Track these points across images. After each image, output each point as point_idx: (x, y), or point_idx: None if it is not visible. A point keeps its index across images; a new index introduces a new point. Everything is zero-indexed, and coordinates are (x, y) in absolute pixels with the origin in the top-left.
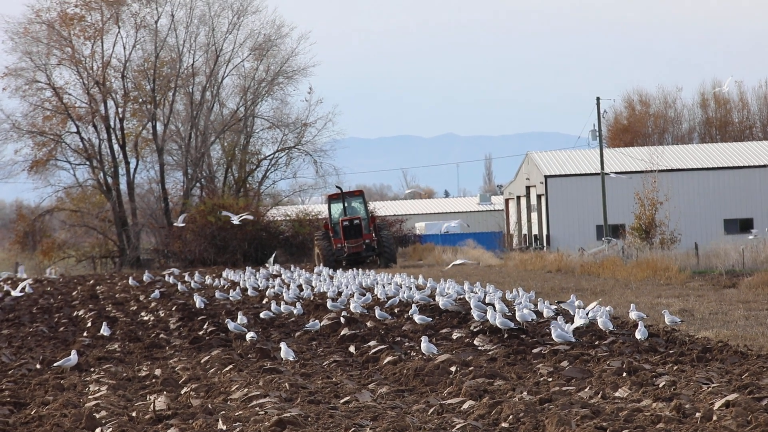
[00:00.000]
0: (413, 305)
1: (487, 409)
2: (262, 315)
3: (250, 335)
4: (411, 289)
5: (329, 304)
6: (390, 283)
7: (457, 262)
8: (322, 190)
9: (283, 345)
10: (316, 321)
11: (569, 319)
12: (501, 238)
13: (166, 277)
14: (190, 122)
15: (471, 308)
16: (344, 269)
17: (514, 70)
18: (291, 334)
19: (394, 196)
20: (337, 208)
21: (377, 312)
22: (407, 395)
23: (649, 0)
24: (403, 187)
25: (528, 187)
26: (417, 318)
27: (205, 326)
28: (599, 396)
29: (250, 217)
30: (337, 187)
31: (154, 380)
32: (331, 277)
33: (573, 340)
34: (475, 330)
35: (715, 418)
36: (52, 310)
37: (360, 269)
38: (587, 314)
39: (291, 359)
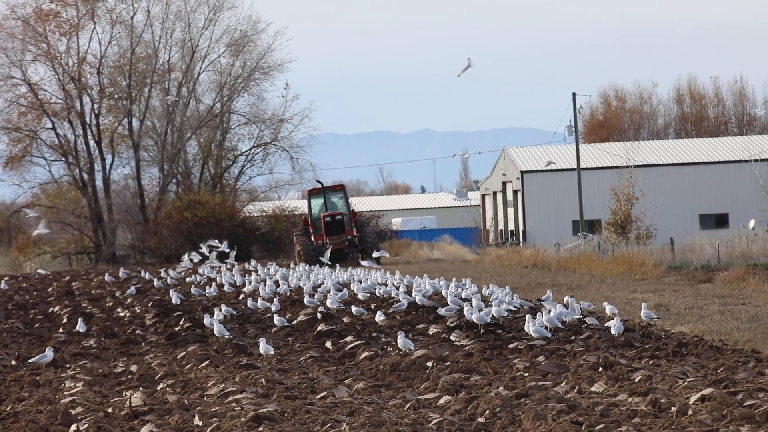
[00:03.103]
0: (402, 300)
1: (463, 404)
2: (223, 311)
3: (218, 330)
4: (387, 285)
5: (306, 299)
6: (367, 279)
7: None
8: (298, 186)
9: (261, 341)
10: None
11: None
12: (477, 233)
13: (139, 273)
14: (166, 118)
15: (448, 304)
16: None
17: (491, 65)
18: (267, 330)
19: (370, 192)
20: (317, 203)
21: (354, 308)
22: (384, 390)
23: None
24: (379, 183)
25: (504, 183)
26: (378, 317)
27: (181, 322)
28: (575, 391)
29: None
30: (317, 181)
31: (130, 376)
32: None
33: (549, 335)
34: (451, 325)
35: (690, 412)
36: (27, 307)
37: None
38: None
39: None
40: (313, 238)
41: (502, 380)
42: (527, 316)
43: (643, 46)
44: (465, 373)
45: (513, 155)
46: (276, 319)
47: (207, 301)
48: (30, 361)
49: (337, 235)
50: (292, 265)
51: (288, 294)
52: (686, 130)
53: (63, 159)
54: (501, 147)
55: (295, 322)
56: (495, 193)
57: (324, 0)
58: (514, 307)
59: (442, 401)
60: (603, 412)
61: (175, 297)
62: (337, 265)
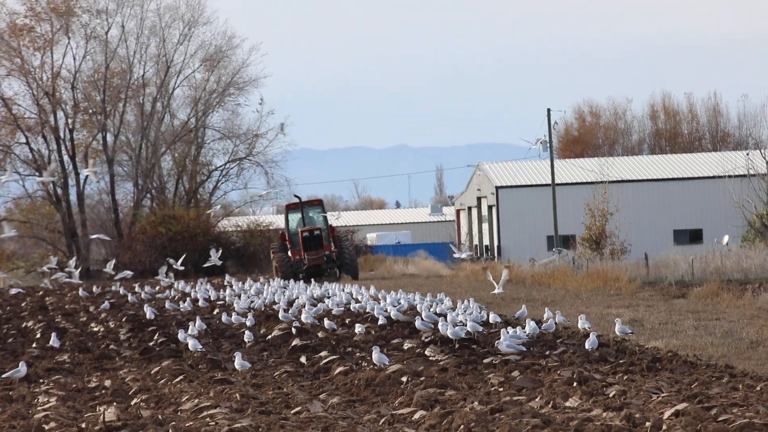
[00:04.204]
0: (381, 316)
1: (438, 420)
2: (196, 325)
3: (192, 344)
4: (362, 300)
5: (281, 314)
6: (342, 291)
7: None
8: (273, 201)
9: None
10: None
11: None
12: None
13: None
14: (141, 133)
15: (423, 319)
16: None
17: (466, 81)
18: (242, 345)
19: (345, 207)
20: (295, 218)
21: (326, 322)
22: (358, 406)
23: (599, 12)
24: (354, 198)
25: (479, 198)
26: (357, 329)
27: (155, 337)
28: (550, 406)
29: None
30: (295, 196)
31: (103, 391)
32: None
33: (523, 349)
34: (426, 340)
35: (664, 427)
36: (0, 321)
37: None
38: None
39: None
40: (290, 254)
41: (477, 395)
42: (502, 331)
43: (617, 63)
44: (440, 388)
45: (488, 170)
46: (246, 335)
47: (181, 315)
48: (3, 376)
49: (315, 251)
50: (261, 280)
51: (263, 308)
52: (660, 146)
53: (37, 174)
54: (476, 162)
55: (269, 337)
56: (470, 208)
57: (299, 16)
58: (482, 320)
59: (416, 416)
60: (577, 427)
61: (149, 312)
62: (312, 280)
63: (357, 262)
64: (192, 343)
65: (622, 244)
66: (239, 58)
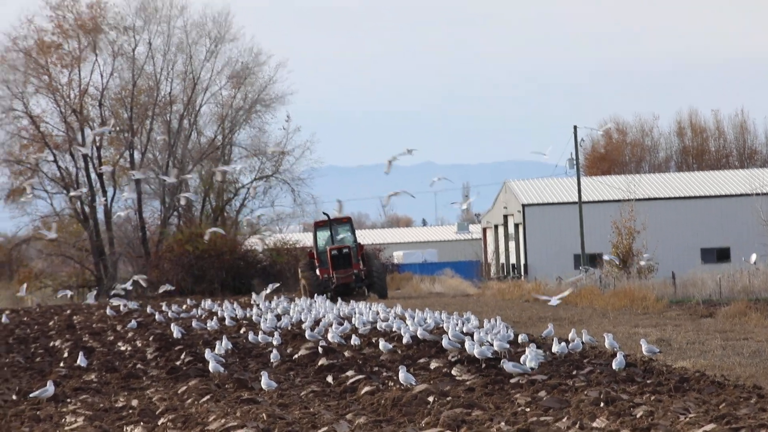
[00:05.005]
0: (407, 335)
1: None
2: (222, 345)
3: (213, 366)
4: (389, 319)
5: (307, 333)
6: (369, 311)
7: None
8: (299, 219)
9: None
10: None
11: (547, 348)
12: (478, 267)
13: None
14: (168, 150)
15: (450, 338)
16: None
17: (492, 98)
18: (269, 364)
19: (371, 225)
20: (323, 235)
21: (353, 340)
22: (385, 425)
23: (626, 29)
24: (381, 216)
25: (506, 216)
26: (381, 345)
27: (182, 356)
28: (577, 426)
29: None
30: (324, 213)
31: (131, 411)
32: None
33: (529, 370)
34: (452, 360)
35: None
36: (28, 341)
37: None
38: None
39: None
40: (318, 272)
41: (504, 415)
42: (527, 349)
43: (644, 80)
44: (466, 408)
45: (514, 188)
46: (273, 354)
47: (208, 335)
48: (31, 395)
49: (344, 269)
50: (283, 298)
51: (289, 328)
52: (687, 163)
53: (64, 192)
54: (502, 180)
55: (296, 356)
56: (496, 226)
57: (325, 32)
58: (509, 340)
59: None
60: None
61: (176, 331)
62: (339, 299)
63: (386, 282)
64: (213, 366)
65: (648, 262)
66: (266, 75)
